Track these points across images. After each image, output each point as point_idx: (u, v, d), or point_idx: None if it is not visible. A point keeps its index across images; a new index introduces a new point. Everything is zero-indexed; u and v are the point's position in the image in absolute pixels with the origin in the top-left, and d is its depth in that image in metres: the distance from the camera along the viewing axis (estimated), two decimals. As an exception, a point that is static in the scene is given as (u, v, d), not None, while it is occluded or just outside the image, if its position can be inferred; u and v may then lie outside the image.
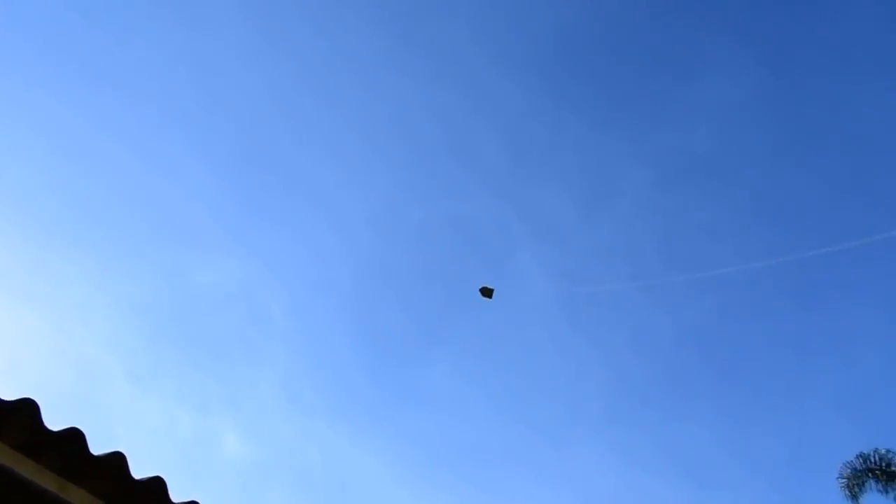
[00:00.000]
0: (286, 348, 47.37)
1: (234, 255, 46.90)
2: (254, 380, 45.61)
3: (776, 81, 41.85)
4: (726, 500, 41.12)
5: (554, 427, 46.45)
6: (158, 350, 44.79)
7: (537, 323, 45.48)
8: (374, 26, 43.23)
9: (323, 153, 45.45)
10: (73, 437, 3.71)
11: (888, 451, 21.56)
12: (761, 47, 42.63)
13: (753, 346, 44.64)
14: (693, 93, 42.68)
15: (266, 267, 48.65)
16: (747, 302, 45.48)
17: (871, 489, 21.38)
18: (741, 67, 42.49)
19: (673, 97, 43.83)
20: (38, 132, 41.29)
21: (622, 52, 43.67)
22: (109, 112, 42.62)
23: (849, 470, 21.60)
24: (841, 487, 21.59)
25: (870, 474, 21.37)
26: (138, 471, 4.01)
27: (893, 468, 21.27)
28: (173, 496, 4.14)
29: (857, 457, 21.66)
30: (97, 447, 3.83)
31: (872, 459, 21.48)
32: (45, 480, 3.70)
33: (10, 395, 3.59)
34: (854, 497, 21.36)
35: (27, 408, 3.58)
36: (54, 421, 3.72)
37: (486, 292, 21.27)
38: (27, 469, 3.64)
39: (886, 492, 21.14)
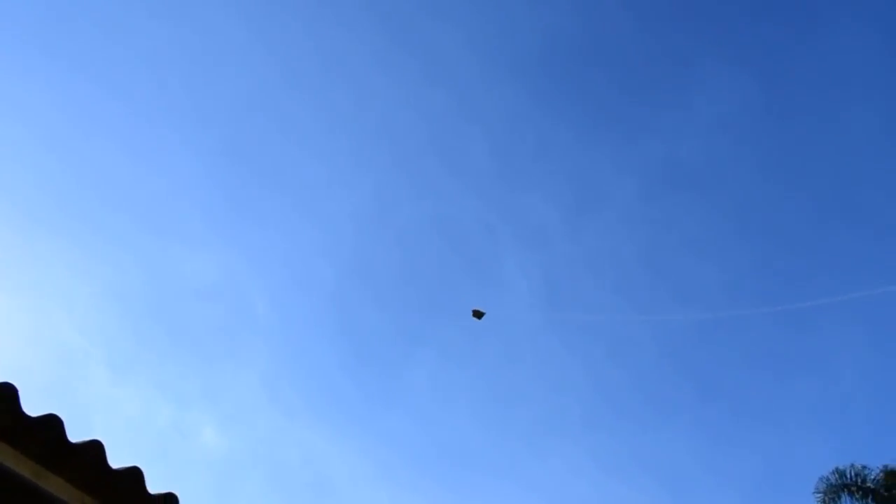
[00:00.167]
0: (268, 344, 47.21)
1: (219, 248, 46.74)
2: (234, 374, 45.42)
3: (765, 98, 42.26)
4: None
5: (532, 433, 46.52)
6: (139, 340, 44.54)
7: (519, 329, 45.56)
8: (365, 27, 43.30)
9: (311, 151, 45.41)
10: (52, 424, 3.67)
11: (864, 466, 21.72)
12: (752, 63, 43.02)
13: (732, 361, 44.93)
14: (682, 106, 43.01)
15: (251, 262, 48.54)
16: (729, 317, 45.74)
17: (845, 504, 21.53)
18: (731, 82, 42.85)
19: (662, 109, 44.13)
20: (27, 124, 40.96)
21: (613, 63, 43.96)
22: (99, 104, 42.38)
23: (824, 485, 21.73)
24: (817, 502, 21.73)
25: (845, 489, 21.50)
26: (114, 460, 3.98)
27: (868, 484, 21.41)
28: (150, 486, 4.10)
29: (833, 472, 21.80)
30: (74, 435, 3.79)
31: (848, 475, 21.62)
32: (22, 467, 3.66)
33: (-11, 379, 3.54)
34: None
35: (6, 392, 3.53)
36: (32, 407, 3.67)
37: (478, 314, 21.61)
38: (5, 455, 3.59)
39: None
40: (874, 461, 21.88)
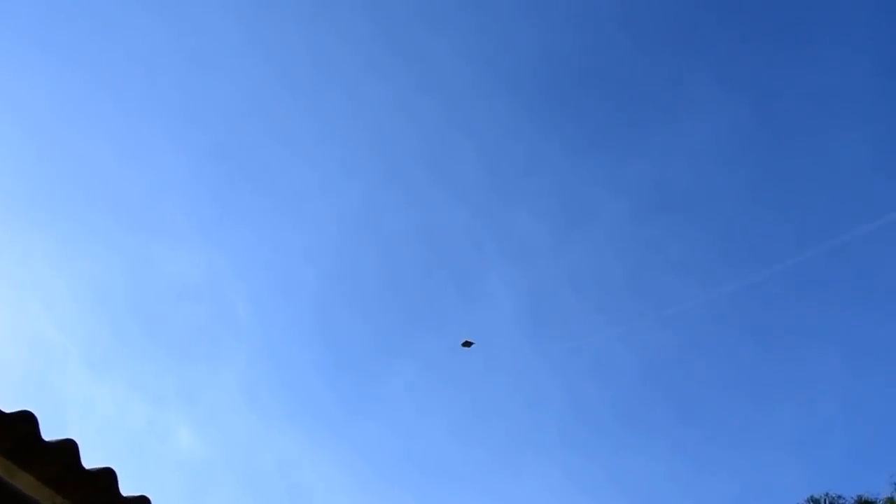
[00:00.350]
0: (247, 347, 46.92)
1: (202, 248, 46.47)
2: (212, 376, 45.08)
3: (754, 121, 42.63)
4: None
5: (507, 449, 46.42)
6: (118, 337, 44.11)
7: (500, 343, 45.55)
8: (362, 35, 43.35)
9: (300, 156, 45.34)
10: (25, 420, 3.59)
11: (839, 496, 21.85)
12: (742, 87, 43.43)
13: (712, 384, 45.09)
14: (673, 128, 43.30)
15: (234, 264, 48.25)
16: (710, 341, 45.98)
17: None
18: (722, 107, 43.21)
19: (653, 131, 44.39)
20: (10, 116, 40.63)
21: (607, 83, 44.25)
22: (87, 99, 42.07)
23: (799, 511, 21.84)
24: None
25: (819, 517, 21.64)
26: (87, 458, 3.90)
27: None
28: (123, 488, 4.03)
29: (808, 500, 21.91)
30: (49, 432, 3.71)
31: (823, 503, 21.75)
32: (-8, 463, 3.58)
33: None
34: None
35: (-20, 386, 3.46)
36: (6, 402, 3.60)
37: (467, 344, 21.90)
38: (-26, 450, 3.51)
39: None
40: (849, 490, 22.02)
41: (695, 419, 45.38)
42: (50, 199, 43.19)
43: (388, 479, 46.55)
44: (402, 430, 46.82)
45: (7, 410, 3.55)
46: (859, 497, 21.61)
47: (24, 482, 3.69)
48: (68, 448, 3.73)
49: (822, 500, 21.71)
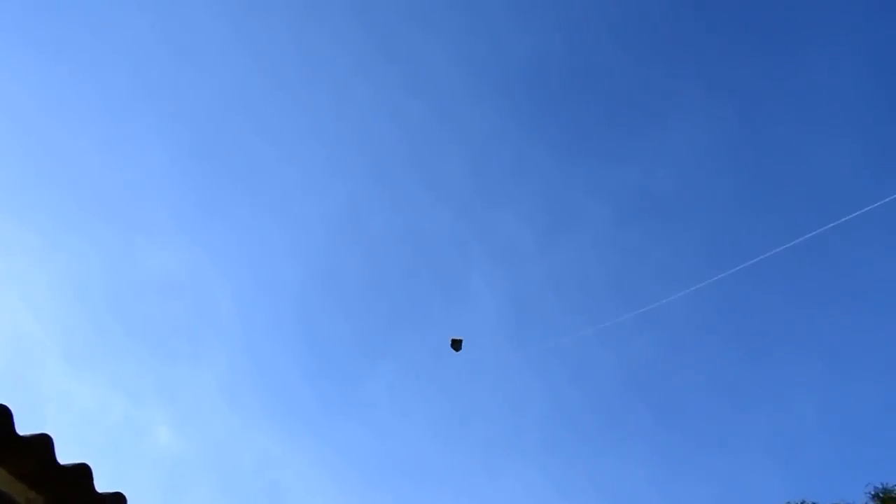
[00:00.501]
0: (228, 346, 46.69)
1: (185, 245, 46.19)
2: (192, 374, 44.83)
3: (741, 131, 42.93)
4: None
5: (488, 451, 46.47)
6: (98, 332, 43.79)
7: (483, 347, 45.54)
8: (351, 34, 43.29)
9: (286, 155, 45.19)
10: (0, 414, 3.57)
11: (814, 503, 22.07)
12: (729, 96, 43.73)
13: (693, 390, 45.36)
14: (659, 134, 43.55)
15: (217, 261, 48.02)
16: (691, 346, 46.27)
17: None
18: (708, 114, 43.52)
19: (639, 137, 44.62)
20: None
21: (594, 89, 44.44)
22: (70, 92, 41.69)
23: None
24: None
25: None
26: (63, 454, 3.89)
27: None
28: (98, 484, 4.02)
29: (783, 506, 22.12)
30: (25, 427, 3.69)
31: (798, 510, 21.97)
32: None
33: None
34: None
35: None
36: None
37: (456, 345, 21.41)
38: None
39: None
40: (825, 498, 22.25)
41: (674, 423, 45.67)
42: (31, 193, 42.83)
43: (367, 480, 46.51)
44: (383, 431, 46.79)
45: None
46: (834, 505, 21.87)
47: (-3, 477, 3.67)
48: (43, 443, 3.70)
49: (798, 507, 21.96)
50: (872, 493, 21.31)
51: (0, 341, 37.32)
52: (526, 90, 44.88)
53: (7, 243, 40.62)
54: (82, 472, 3.89)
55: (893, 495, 20.94)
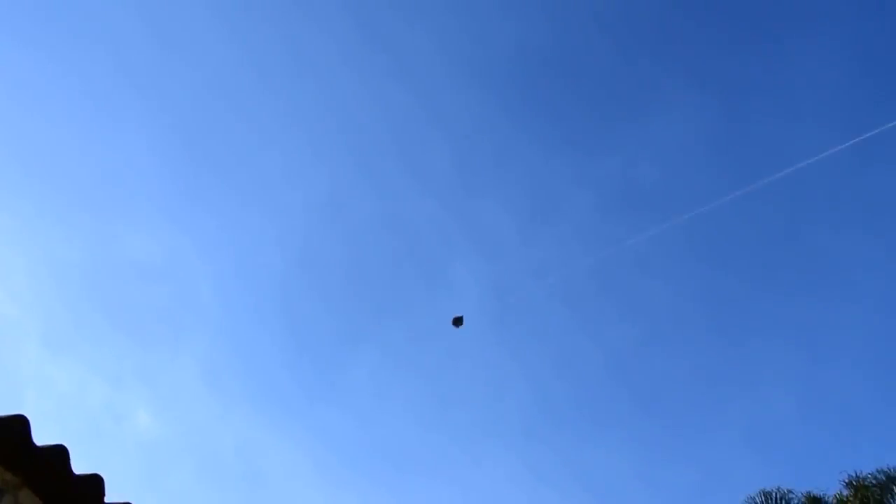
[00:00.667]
0: (209, 331, 46.40)
1: (165, 229, 45.70)
2: (172, 359, 44.52)
3: (726, 123, 43.02)
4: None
5: (469, 437, 46.66)
6: (77, 316, 43.33)
7: (464, 334, 45.53)
8: (334, 21, 42.90)
9: (268, 141, 44.72)
10: (-24, 396, 3.55)
11: (789, 490, 22.31)
12: (716, 89, 43.81)
13: (672, 378, 45.66)
14: (643, 125, 43.58)
15: (197, 246, 47.61)
16: (671, 335, 46.61)
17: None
18: (693, 106, 43.56)
19: (623, 128, 44.64)
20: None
21: (579, 78, 44.31)
22: (52, 79, 41.02)
23: (750, 504, 22.32)
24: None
25: (769, 511, 22.12)
26: (42, 438, 3.87)
27: (791, 507, 22.07)
28: (76, 466, 4.00)
29: (759, 493, 22.36)
30: (1, 409, 3.67)
31: (773, 497, 22.20)
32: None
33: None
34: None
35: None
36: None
37: (457, 322, 21.41)
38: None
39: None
40: (800, 486, 22.51)
41: (654, 411, 45.99)
42: (9, 177, 42.25)
43: (348, 465, 46.59)
44: (364, 416, 46.81)
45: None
46: (808, 493, 22.12)
47: (-28, 458, 3.65)
48: (19, 424, 3.68)
49: (774, 494, 22.17)
50: (846, 480, 21.63)
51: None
52: (510, 80, 44.77)
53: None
54: (59, 454, 3.87)
55: (866, 483, 21.26)
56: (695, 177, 44.66)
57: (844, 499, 21.48)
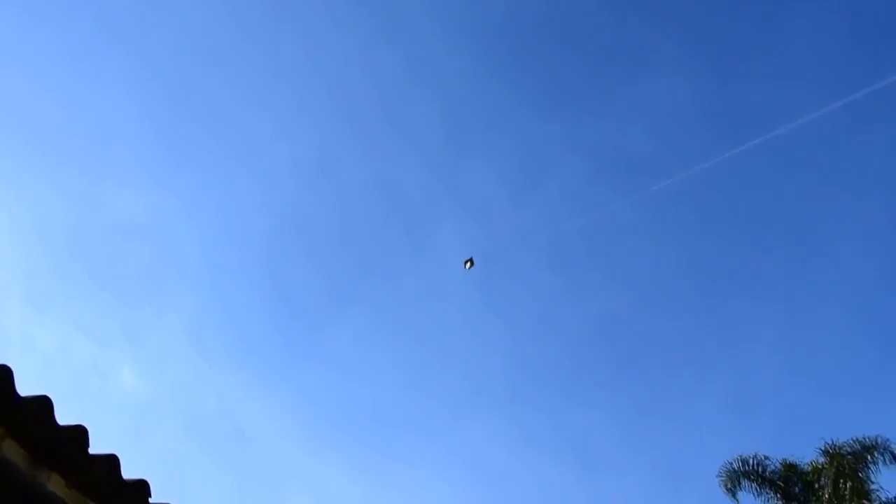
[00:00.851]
0: (194, 290, 46.39)
1: (151, 188, 45.44)
2: (157, 317, 44.55)
3: (718, 89, 42.94)
4: (611, 485, 42.69)
5: (455, 399, 47.19)
6: (61, 275, 43.20)
7: (451, 296, 45.85)
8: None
9: (256, 101, 44.35)
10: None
11: (766, 457, 22.71)
12: (709, 54, 43.66)
13: (658, 344, 46.23)
14: (634, 90, 43.46)
15: (184, 206, 47.35)
16: (658, 302, 47.00)
17: (745, 490, 22.51)
18: (686, 72, 43.44)
19: (614, 92, 44.53)
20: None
21: (571, 42, 44.11)
22: (35, 35, 40.18)
23: (727, 470, 22.69)
24: (719, 484, 22.72)
25: (746, 476, 22.48)
26: (24, 392, 3.84)
27: (768, 474, 22.43)
28: (61, 421, 3.98)
29: (737, 459, 22.74)
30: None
31: (751, 463, 22.59)
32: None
33: None
34: (732, 492, 22.52)
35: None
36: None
37: (469, 263, 21.16)
38: None
39: (758, 494, 22.32)
40: (776, 455, 22.91)
41: (638, 376, 46.70)
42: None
43: (334, 424, 47.01)
44: (350, 376, 47.17)
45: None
46: (784, 460, 22.54)
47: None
48: (2, 374, 3.65)
49: (751, 461, 22.58)
50: (822, 448, 22.01)
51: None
52: (502, 42, 44.43)
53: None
54: (43, 404, 3.85)
55: (842, 451, 21.64)
56: (685, 142, 44.69)
57: (820, 466, 21.90)
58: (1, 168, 41.94)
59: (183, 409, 44.89)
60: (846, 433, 24.49)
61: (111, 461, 4.26)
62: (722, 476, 22.66)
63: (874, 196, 42.70)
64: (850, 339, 44.21)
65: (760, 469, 22.47)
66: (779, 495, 22.11)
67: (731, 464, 22.72)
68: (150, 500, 4.62)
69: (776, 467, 22.46)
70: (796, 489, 22.10)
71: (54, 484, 4.08)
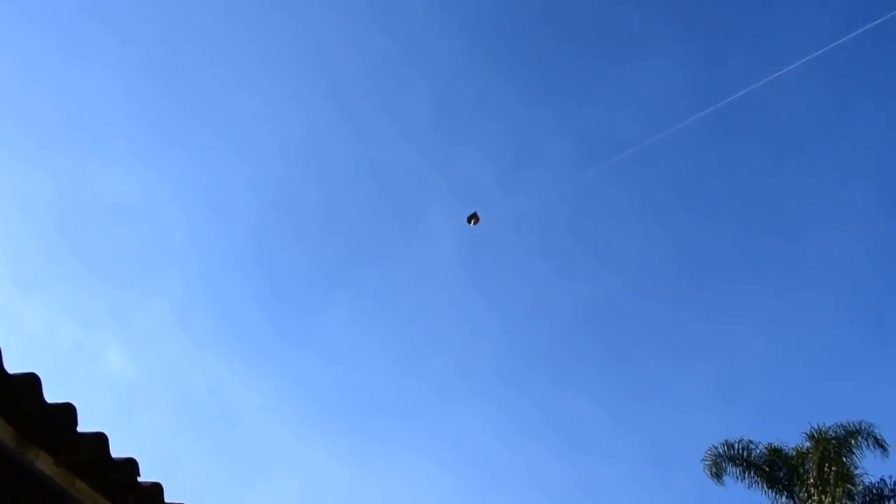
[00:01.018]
0: (182, 272, 46.23)
1: (139, 169, 45.11)
2: (145, 299, 44.34)
3: (709, 76, 42.86)
4: (600, 468, 43.04)
5: (444, 383, 47.32)
6: (48, 256, 42.92)
7: (440, 279, 45.87)
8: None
9: (244, 82, 43.91)
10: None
11: (750, 441, 22.92)
12: (699, 38, 43.59)
13: (646, 328, 46.44)
14: (625, 75, 43.33)
15: (172, 187, 47.05)
16: (646, 286, 47.18)
17: (729, 474, 22.73)
18: (677, 57, 43.38)
19: (605, 77, 44.44)
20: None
21: (562, 25, 43.81)
22: (21, 14, 39.61)
23: (713, 454, 22.88)
24: (704, 468, 22.92)
25: (731, 460, 22.69)
26: (11, 369, 3.80)
27: (753, 458, 22.64)
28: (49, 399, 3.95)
29: (722, 443, 22.94)
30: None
31: (736, 448, 22.79)
32: None
33: None
34: (717, 476, 22.72)
35: None
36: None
37: (473, 218, 20.57)
38: None
39: (743, 478, 22.53)
40: (764, 439, 23.13)
41: (627, 360, 46.91)
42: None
43: (323, 407, 47.11)
44: (339, 360, 47.19)
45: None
46: (769, 444, 22.75)
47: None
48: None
49: (736, 445, 22.78)
50: (808, 433, 22.23)
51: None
52: (493, 25, 44.17)
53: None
54: (31, 382, 3.82)
55: (827, 436, 21.86)
56: (676, 131, 44.63)
57: (805, 451, 22.13)
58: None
59: (171, 391, 44.86)
60: (833, 417, 24.72)
61: (100, 439, 4.23)
62: (707, 460, 22.86)
63: (861, 181, 43.00)
64: (837, 323, 44.59)
65: (746, 454, 22.67)
66: (763, 480, 22.33)
67: (717, 448, 22.92)
68: (139, 479, 4.61)
69: (761, 452, 22.67)
70: (781, 474, 22.33)
71: (42, 462, 4.05)
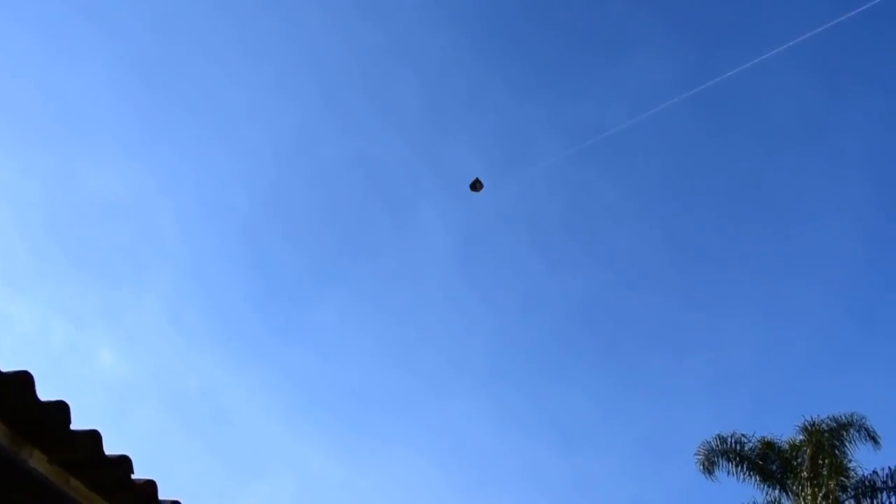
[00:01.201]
0: (173, 269, 46.01)
1: (129, 166, 44.79)
2: (136, 297, 44.15)
3: (701, 70, 42.83)
4: (593, 462, 43.14)
5: (437, 378, 47.34)
6: (37, 254, 42.65)
7: (432, 275, 45.89)
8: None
9: (234, 77, 43.70)
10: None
11: (743, 435, 22.98)
12: (690, 34, 43.57)
13: (638, 322, 46.51)
14: (616, 70, 43.31)
15: (162, 184, 46.80)
16: (638, 280, 47.25)
17: (722, 469, 22.80)
18: (667, 51, 43.34)
19: (596, 71, 44.37)
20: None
21: (553, 19, 43.70)
22: (9, 8, 39.34)
23: (706, 448, 22.94)
24: (696, 462, 22.98)
25: (724, 454, 22.75)
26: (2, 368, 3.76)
27: (746, 451, 22.71)
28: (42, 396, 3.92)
29: (715, 437, 22.99)
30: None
31: (729, 441, 22.86)
32: None
33: None
34: (709, 472, 22.77)
35: None
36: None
37: (476, 185, 20.24)
38: None
39: (736, 472, 22.60)
40: (757, 431, 23.20)
41: (620, 355, 47.00)
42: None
43: (316, 404, 47.07)
44: (332, 356, 47.14)
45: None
46: (762, 438, 22.82)
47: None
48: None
49: (729, 439, 22.85)
50: (802, 425, 22.32)
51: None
52: (484, 19, 44.08)
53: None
54: (23, 380, 3.78)
55: (820, 429, 21.96)
56: (668, 124, 44.82)
57: (798, 444, 22.22)
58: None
59: (163, 389, 44.71)
60: (825, 409, 24.88)
61: (93, 437, 4.20)
62: (699, 455, 22.91)
63: (853, 171, 43.10)
64: (830, 315, 44.76)
65: (738, 447, 22.74)
66: (757, 473, 22.40)
67: (709, 442, 22.98)
68: (133, 477, 4.58)
69: (754, 445, 22.74)
70: (774, 467, 22.41)
71: (36, 460, 4.02)
